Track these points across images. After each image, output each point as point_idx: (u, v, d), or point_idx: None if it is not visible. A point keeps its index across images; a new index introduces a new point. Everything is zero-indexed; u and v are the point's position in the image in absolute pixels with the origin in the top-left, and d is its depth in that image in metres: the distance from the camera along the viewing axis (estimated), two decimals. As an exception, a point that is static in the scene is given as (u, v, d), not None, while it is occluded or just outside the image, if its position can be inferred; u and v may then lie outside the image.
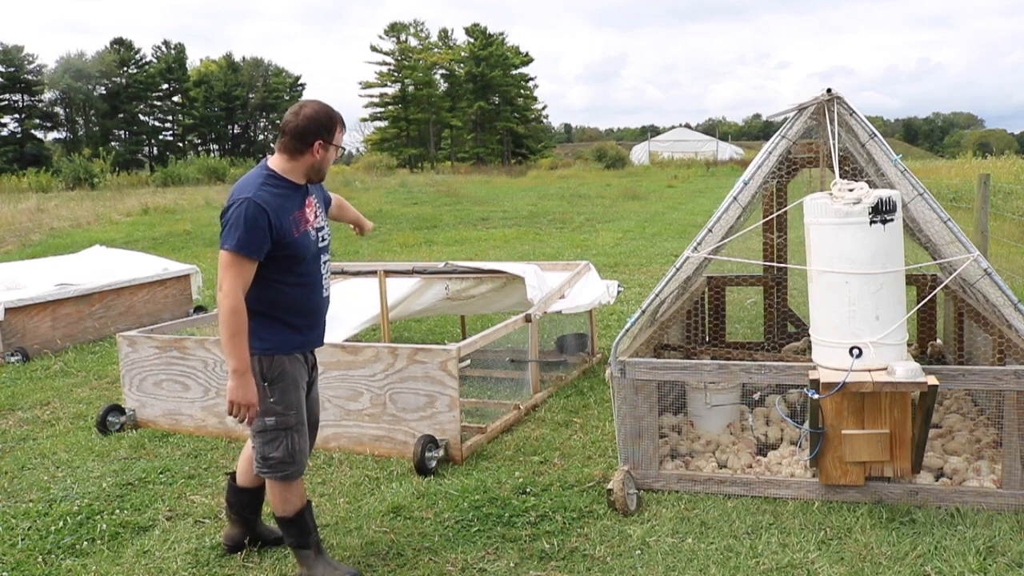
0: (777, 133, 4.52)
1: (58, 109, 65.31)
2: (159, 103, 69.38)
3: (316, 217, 3.21)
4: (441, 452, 4.52)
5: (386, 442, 4.74)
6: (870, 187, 3.89)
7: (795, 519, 3.75)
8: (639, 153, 60.46)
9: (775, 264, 5.73)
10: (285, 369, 3.16)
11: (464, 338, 6.55)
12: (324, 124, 3.08)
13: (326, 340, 3.50)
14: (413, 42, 69.07)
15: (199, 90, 69.23)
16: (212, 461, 4.78)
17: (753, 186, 4.59)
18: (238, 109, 73.04)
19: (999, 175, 18.67)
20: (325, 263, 3.27)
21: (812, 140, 5.04)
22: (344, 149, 3.22)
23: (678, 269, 4.26)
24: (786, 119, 4.57)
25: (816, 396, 3.69)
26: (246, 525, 3.59)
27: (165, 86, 68.70)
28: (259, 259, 3.00)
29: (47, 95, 63.80)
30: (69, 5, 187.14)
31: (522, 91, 71.81)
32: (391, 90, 68.39)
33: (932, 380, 3.58)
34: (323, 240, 3.25)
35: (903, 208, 4.09)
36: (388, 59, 68.23)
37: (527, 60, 71.58)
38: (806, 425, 3.86)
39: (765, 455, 4.30)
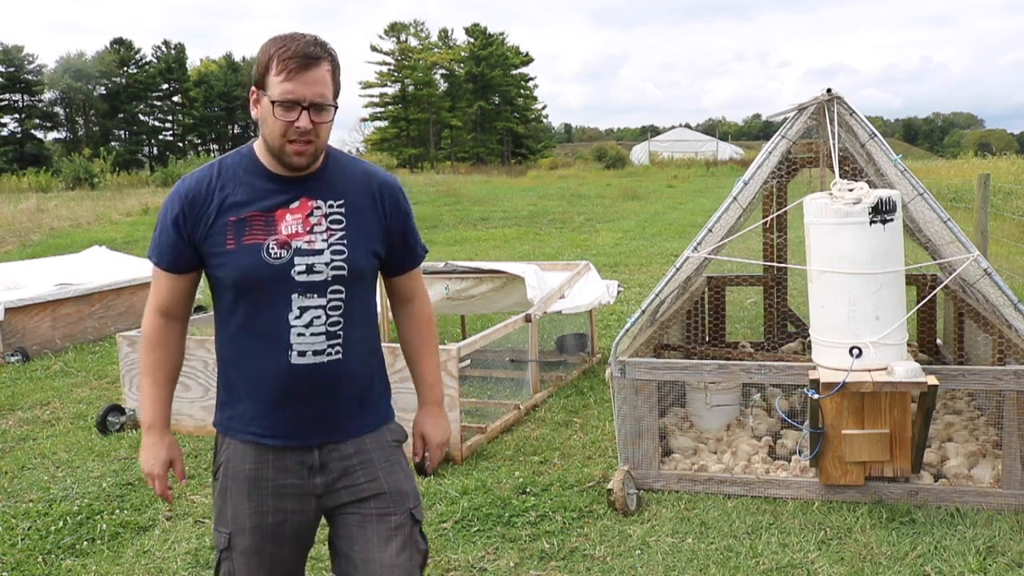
0: (777, 133, 4.52)
1: (58, 109, 65.31)
2: (159, 103, 69.38)
3: (305, 231, 1.98)
4: (441, 452, 4.51)
5: (386, 442, 4.74)
6: (870, 187, 3.89)
7: (795, 519, 3.75)
8: (639, 153, 60.43)
9: (775, 264, 5.73)
10: (228, 459, 2.12)
11: (464, 338, 6.55)
12: (259, 62, 1.96)
13: None
14: (413, 42, 69.08)
15: (199, 90, 69.20)
16: (212, 461, 4.78)
17: (753, 186, 4.59)
18: (238, 109, 72.98)
19: (999, 175, 18.66)
20: (309, 310, 1.98)
21: (812, 140, 5.04)
22: (302, 106, 1.90)
23: (678, 269, 4.27)
24: (786, 119, 4.58)
25: (816, 396, 3.69)
26: None
27: (165, 86, 68.69)
28: (171, 270, 2.03)
29: (47, 95, 63.80)
30: (69, 5, 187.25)
31: (522, 91, 71.83)
32: (391, 90, 68.37)
33: (932, 380, 3.58)
34: (306, 271, 1.97)
35: (903, 208, 4.10)
36: (388, 59, 68.25)
37: (527, 60, 71.60)
38: (806, 424, 3.87)
39: (773, 456, 4.30)
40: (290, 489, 2.07)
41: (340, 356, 2.03)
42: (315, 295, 1.98)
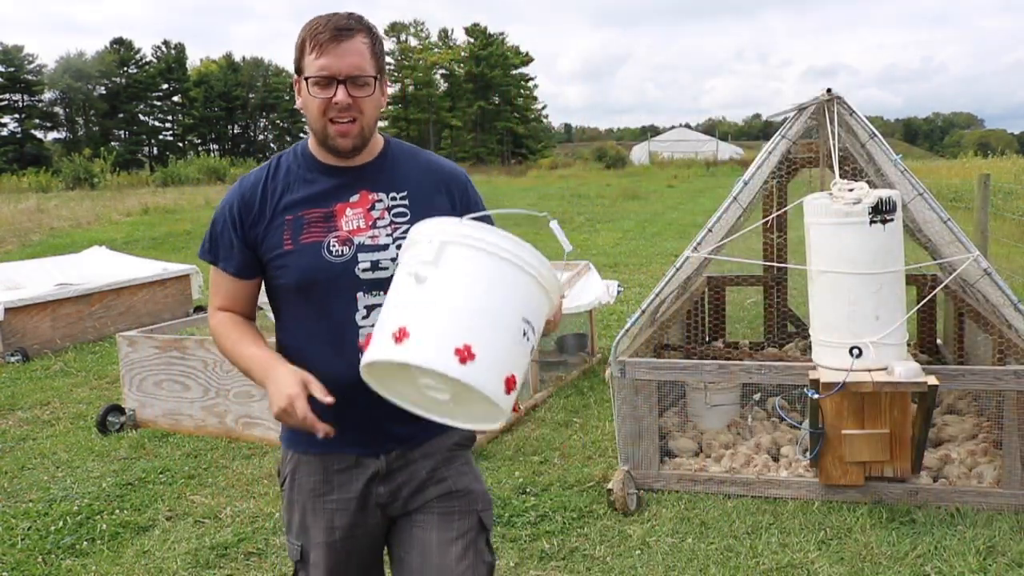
0: (777, 133, 4.53)
1: (58, 109, 65.41)
2: (159, 103, 69.45)
3: (367, 226, 1.88)
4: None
5: (386, 442, 4.74)
6: (870, 187, 3.89)
7: (795, 519, 3.75)
8: (639, 153, 60.40)
9: (775, 264, 5.73)
10: (293, 472, 2.00)
11: (464, 338, 6.54)
12: (296, 48, 1.87)
13: None
14: (413, 42, 69.16)
15: (199, 90, 69.25)
16: (212, 461, 4.78)
17: (753, 186, 4.59)
18: (238, 109, 73.07)
19: (999, 175, 18.64)
20: (377, 309, 1.79)
21: (812, 140, 5.04)
22: (338, 81, 1.81)
23: (678, 269, 4.27)
24: (786, 119, 4.58)
25: (816, 396, 3.69)
26: None
27: (165, 86, 68.76)
28: (237, 275, 1.93)
29: (47, 95, 63.90)
30: (69, 5, 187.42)
31: (522, 91, 71.89)
32: (391, 90, 68.33)
33: (932, 380, 3.58)
34: (371, 268, 1.86)
35: (903, 208, 4.10)
36: (388, 59, 68.29)
37: (527, 60, 71.67)
38: (806, 424, 3.87)
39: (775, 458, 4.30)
40: (356, 503, 1.94)
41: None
42: (382, 292, 1.82)
